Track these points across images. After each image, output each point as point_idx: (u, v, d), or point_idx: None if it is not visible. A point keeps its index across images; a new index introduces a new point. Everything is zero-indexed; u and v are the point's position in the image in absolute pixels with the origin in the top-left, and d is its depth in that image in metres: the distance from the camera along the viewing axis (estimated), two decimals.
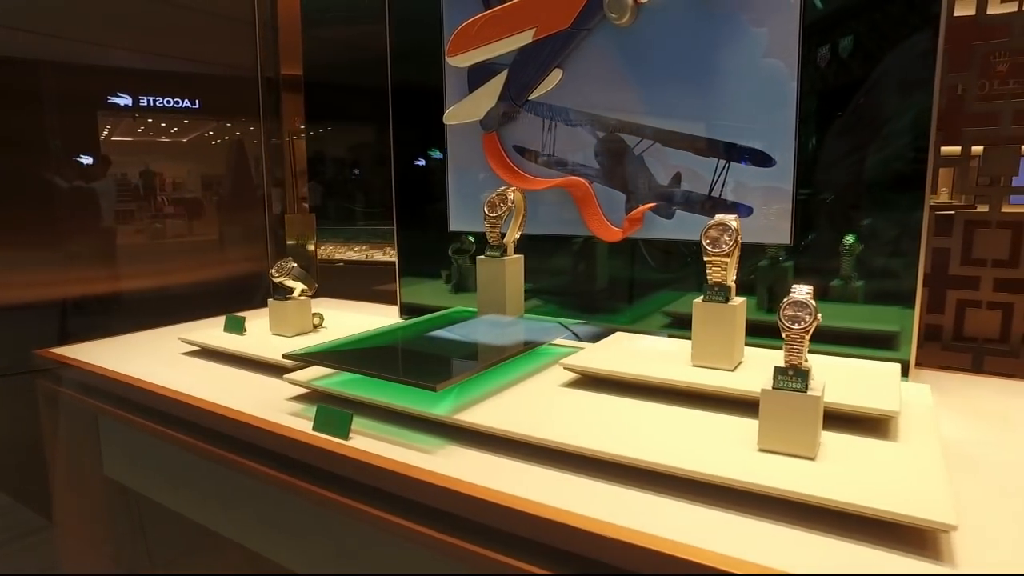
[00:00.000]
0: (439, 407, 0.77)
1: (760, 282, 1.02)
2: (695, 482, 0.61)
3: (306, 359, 0.86)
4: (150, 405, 1.00)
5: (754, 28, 0.94)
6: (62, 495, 1.31)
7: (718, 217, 0.83)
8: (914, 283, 0.90)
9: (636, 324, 1.12)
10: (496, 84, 1.16)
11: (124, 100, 1.68)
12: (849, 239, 0.97)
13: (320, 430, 0.78)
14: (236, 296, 1.98)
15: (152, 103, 1.72)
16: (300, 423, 0.82)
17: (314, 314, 1.20)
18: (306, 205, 2.19)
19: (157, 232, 1.85)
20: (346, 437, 0.76)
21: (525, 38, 1.11)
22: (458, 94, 1.22)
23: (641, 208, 1.05)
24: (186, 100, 1.78)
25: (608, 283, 1.16)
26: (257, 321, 1.22)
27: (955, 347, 1.05)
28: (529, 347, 0.93)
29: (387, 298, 1.63)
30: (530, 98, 1.14)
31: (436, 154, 1.31)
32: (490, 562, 0.62)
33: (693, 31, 0.99)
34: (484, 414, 0.76)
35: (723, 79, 0.97)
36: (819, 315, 0.63)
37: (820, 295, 0.99)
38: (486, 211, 1.03)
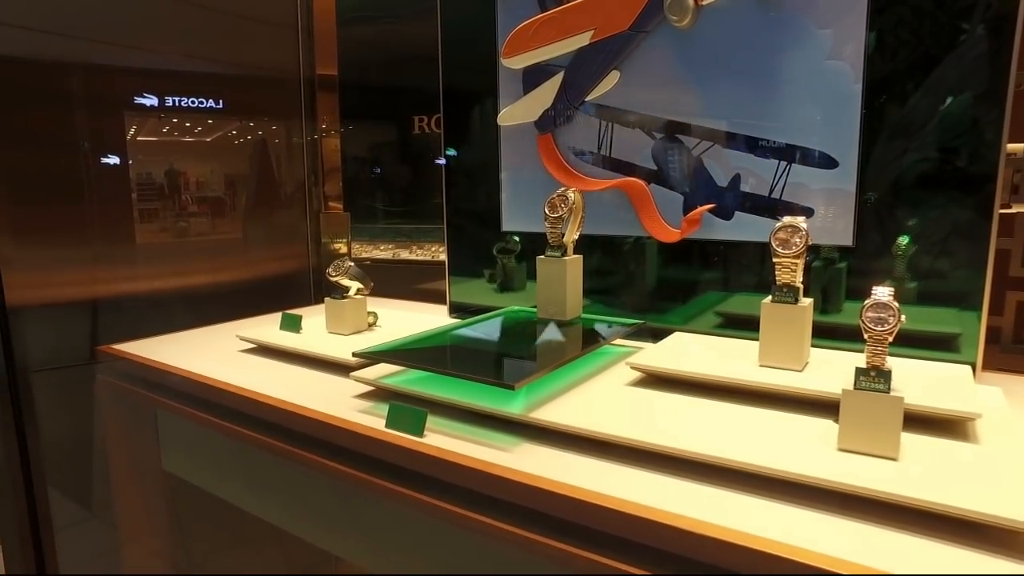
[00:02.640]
0: (513, 405, 0.78)
1: (814, 283, 1.02)
2: (775, 480, 0.61)
3: (378, 357, 0.88)
4: (216, 401, 1.03)
5: (818, 29, 0.94)
6: (122, 488, 1.34)
7: (787, 219, 0.83)
8: (979, 285, 0.90)
9: (688, 324, 1.13)
10: (552, 86, 1.17)
11: (166, 100, 1.71)
12: (903, 240, 0.97)
13: (393, 427, 0.80)
14: (279, 294, 2.02)
15: (194, 104, 1.75)
16: (370, 420, 0.84)
17: (369, 313, 1.22)
18: (340, 204, 2.22)
19: (198, 230, 1.88)
20: (420, 434, 0.77)
21: (583, 40, 1.11)
22: (512, 95, 1.23)
23: (699, 209, 1.06)
24: (222, 101, 1.81)
25: (658, 283, 1.17)
26: (309, 319, 1.24)
27: (1016, 349, 1.05)
28: (594, 346, 0.94)
29: (427, 296, 1.65)
30: (586, 100, 1.15)
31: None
32: (574, 558, 0.63)
33: (755, 33, 0.99)
34: (557, 412, 0.77)
35: (785, 81, 0.97)
36: (903, 317, 0.64)
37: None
38: (546, 212, 1.05)
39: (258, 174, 2.04)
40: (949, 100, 0.88)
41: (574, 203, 1.03)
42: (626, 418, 0.76)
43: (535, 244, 1.24)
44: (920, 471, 0.60)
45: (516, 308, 1.19)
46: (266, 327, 1.26)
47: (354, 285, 1.18)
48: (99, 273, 1.61)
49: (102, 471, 1.54)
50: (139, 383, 1.21)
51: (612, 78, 1.11)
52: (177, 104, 1.72)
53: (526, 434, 0.77)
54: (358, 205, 2.45)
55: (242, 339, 1.21)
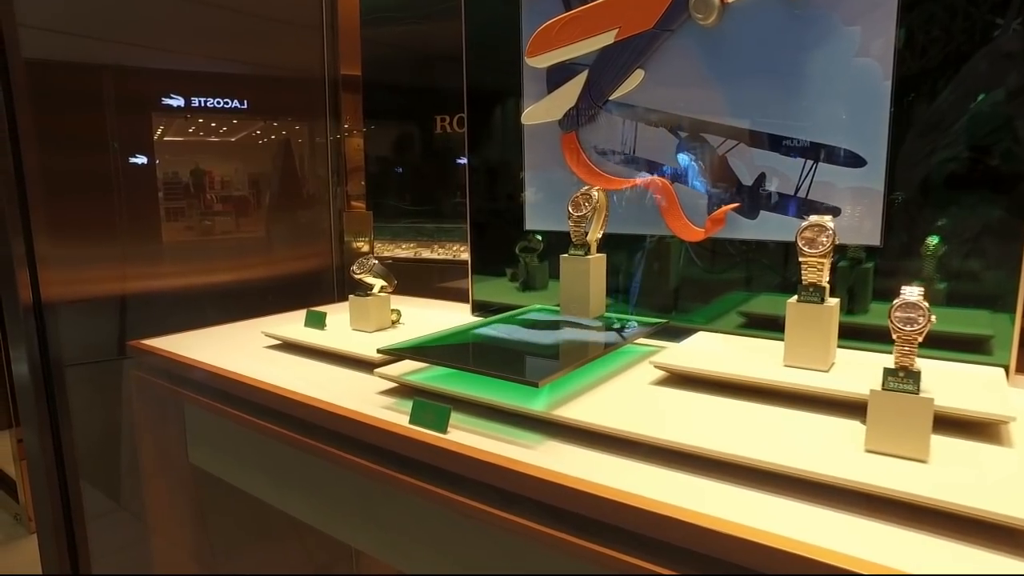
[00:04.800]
0: (537, 403, 0.79)
1: (840, 283, 1.01)
2: (801, 481, 0.61)
3: (403, 354, 0.89)
4: (242, 396, 1.04)
5: (846, 26, 0.93)
6: (150, 480, 1.36)
7: (813, 218, 0.83)
8: (1013, 286, 0.88)
9: (711, 324, 1.12)
10: (576, 84, 1.17)
11: (192, 101, 1.74)
12: (932, 240, 0.95)
13: (417, 423, 0.80)
14: (303, 292, 2.04)
15: (220, 104, 1.78)
16: (394, 416, 0.84)
17: (392, 310, 1.23)
18: (362, 203, 2.23)
19: (223, 228, 1.90)
20: (444, 431, 0.78)
21: (607, 39, 1.11)
22: (536, 94, 1.23)
23: (724, 208, 1.05)
24: (246, 101, 1.84)
25: (680, 282, 1.16)
26: (333, 316, 1.25)
27: None
28: (618, 345, 0.93)
29: (449, 295, 1.66)
30: (610, 98, 1.14)
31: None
32: (598, 556, 0.63)
33: (781, 30, 0.98)
34: (580, 410, 0.77)
35: (812, 79, 0.96)
36: (933, 317, 0.63)
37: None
38: (570, 210, 1.05)
39: (282, 173, 2.06)
40: (981, 97, 0.87)
41: (598, 202, 1.03)
42: (650, 417, 0.76)
43: (560, 243, 1.24)
44: (951, 474, 0.59)
45: (539, 306, 1.19)
46: (291, 324, 1.28)
47: (378, 283, 1.19)
48: (128, 270, 1.64)
49: (129, 463, 1.57)
50: (168, 377, 1.24)
51: (636, 77, 1.11)
52: (203, 104, 1.74)
53: (549, 432, 0.77)
54: (380, 204, 2.47)
55: (268, 335, 1.22)
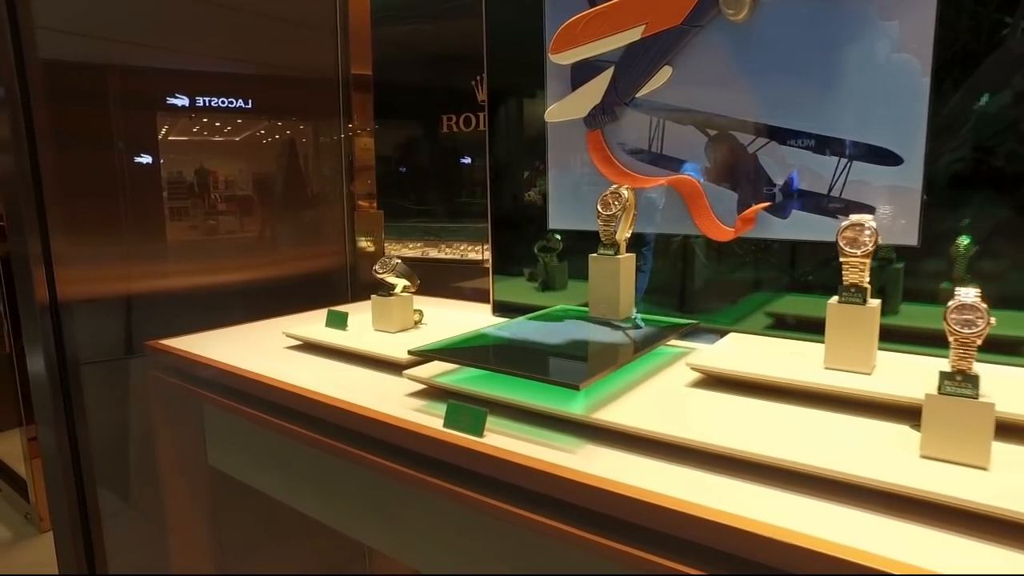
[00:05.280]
0: (575, 406, 0.77)
1: (871, 283, 0.99)
2: (850, 486, 0.59)
3: (436, 356, 0.87)
4: (266, 397, 1.03)
5: (883, 21, 0.91)
6: (168, 481, 1.35)
7: (854, 217, 0.81)
8: None
9: (737, 325, 1.10)
10: (601, 82, 1.16)
11: (212, 101, 1.72)
12: (963, 241, 0.94)
13: (452, 427, 0.79)
14: (314, 291, 2.02)
15: (233, 104, 1.76)
16: (426, 419, 0.83)
17: (415, 310, 1.21)
18: (372, 203, 2.22)
19: (232, 228, 1.89)
20: (480, 435, 0.76)
21: (634, 35, 1.10)
22: (560, 92, 1.22)
23: (754, 207, 1.04)
24: (257, 101, 1.83)
25: (707, 283, 1.14)
26: (352, 317, 1.24)
27: None
28: (652, 346, 0.92)
29: (461, 294, 1.65)
30: (637, 96, 1.13)
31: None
32: (643, 562, 0.62)
33: (815, 25, 0.96)
34: (619, 413, 0.76)
35: (847, 75, 0.95)
36: (992, 319, 0.61)
37: (930, 299, 0.96)
38: (599, 209, 1.03)
39: (293, 173, 2.05)
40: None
41: (627, 201, 1.02)
42: (692, 420, 0.74)
43: (583, 242, 1.23)
44: (1015, 481, 0.58)
45: (564, 307, 1.17)
46: (310, 324, 1.26)
47: (401, 282, 1.17)
48: (137, 269, 1.63)
49: (139, 463, 1.56)
50: (186, 378, 1.22)
51: (664, 74, 1.09)
52: (208, 104, 1.73)
53: (587, 435, 0.76)
54: (386, 203, 2.46)
55: (288, 336, 1.21)
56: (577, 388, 0.72)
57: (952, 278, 0.95)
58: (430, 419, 0.82)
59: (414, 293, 1.20)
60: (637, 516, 0.62)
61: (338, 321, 1.20)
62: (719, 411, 0.77)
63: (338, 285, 2.11)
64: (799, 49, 0.98)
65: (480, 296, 1.57)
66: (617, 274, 1.02)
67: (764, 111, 1.02)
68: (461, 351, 0.90)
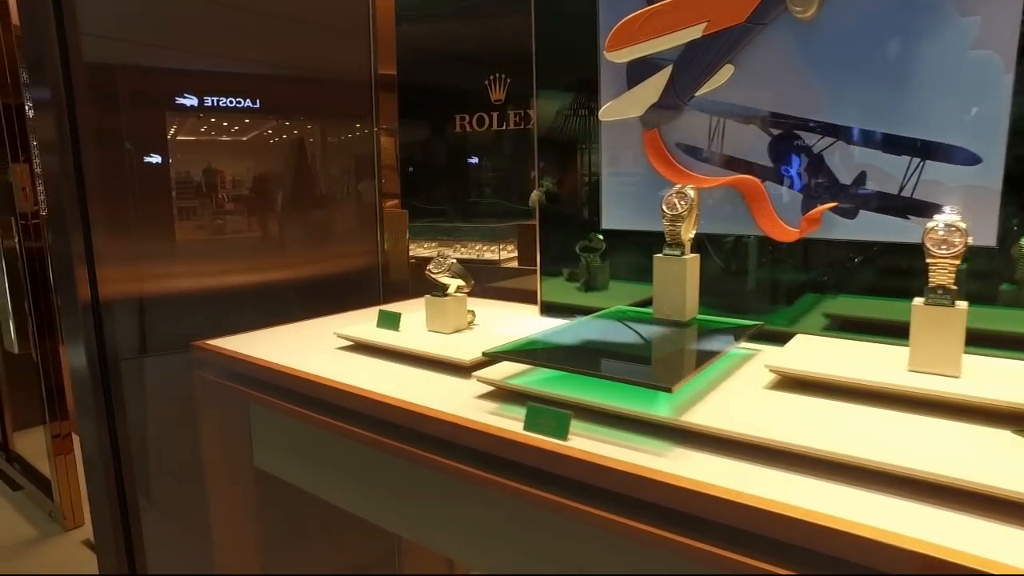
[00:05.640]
0: (661, 408, 0.76)
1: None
2: (957, 490, 0.58)
3: (517, 358, 0.86)
4: (324, 399, 1.02)
5: (962, 17, 0.90)
6: (213, 484, 1.35)
7: (943, 217, 0.80)
8: None
9: (794, 326, 1.09)
10: (659, 80, 1.14)
11: (235, 101, 1.72)
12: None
13: (533, 430, 0.78)
14: (346, 291, 2.02)
15: (237, 104, 1.76)
16: (501, 422, 0.82)
17: (467, 311, 1.20)
18: (396, 202, 2.22)
19: (262, 228, 1.88)
20: (564, 438, 0.75)
21: (694, 33, 1.08)
22: (614, 91, 1.20)
23: (820, 208, 1.02)
24: (287, 102, 1.83)
25: (767, 283, 1.13)
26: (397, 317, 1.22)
27: None
28: (728, 348, 0.90)
29: (489, 293, 1.64)
30: (696, 94, 1.12)
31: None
32: (742, 566, 0.61)
33: (887, 21, 0.95)
34: (707, 416, 0.75)
35: (921, 73, 0.93)
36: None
37: (989, 301, 0.95)
38: (664, 209, 1.02)
39: (326, 174, 2.05)
40: None
41: (693, 200, 1.00)
42: (784, 423, 0.73)
43: (638, 242, 1.22)
44: None
45: (621, 307, 1.16)
46: (356, 324, 1.25)
47: (455, 282, 1.16)
48: (175, 268, 1.63)
49: (177, 459, 1.56)
50: (235, 378, 1.21)
51: (726, 72, 1.08)
52: (216, 104, 1.73)
53: (672, 438, 0.74)
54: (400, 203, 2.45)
55: (340, 336, 1.20)
56: (670, 390, 0.71)
57: (1014, 279, 0.94)
58: (506, 422, 0.81)
59: (468, 294, 1.19)
60: (739, 519, 0.61)
61: (390, 321, 1.19)
62: (808, 414, 0.76)
63: (367, 285, 2.10)
64: (870, 45, 0.96)
65: (514, 295, 1.56)
66: (684, 275, 1.01)
67: (832, 109, 1.00)
68: (537, 353, 0.89)
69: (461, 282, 1.16)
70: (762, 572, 0.60)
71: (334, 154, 2.03)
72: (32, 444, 3.36)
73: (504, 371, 0.92)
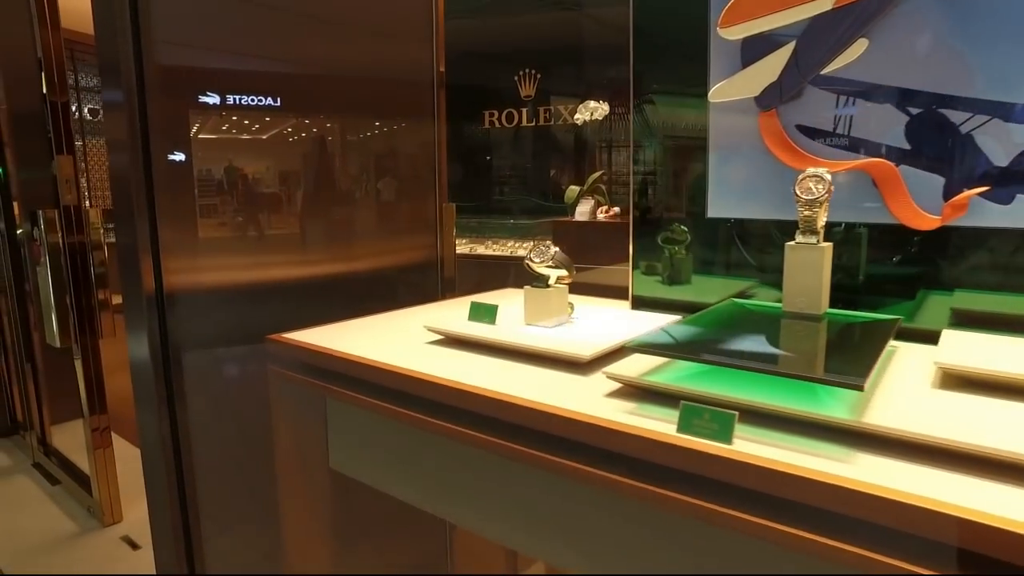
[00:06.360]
0: (835, 408, 0.68)
1: None
2: None
3: (664, 352, 0.78)
4: (425, 396, 0.95)
5: None
6: (286, 484, 1.28)
7: None
8: None
9: (917, 322, 1.01)
10: (779, 57, 1.06)
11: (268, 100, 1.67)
12: None
13: (689, 432, 0.70)
14: (407, 286, 1.97)
15: (265, 104, 1.73)
16: (645, 423, 0.74)
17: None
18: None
19: (330, 221, 1.85)
20: (729, 441, 0.68)
21: (823, 5, 1.00)
22: (726, 70, 1.13)
23: (968, 192, 0.94)
24: (358, 102, 1.79)
25: (867, 276, 1.05)
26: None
27: None
28: (885, 342, 0.82)
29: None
30: (823, 72, 1.04)
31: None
32: None
33: None
34: (889, 417, 0.67)
35: None
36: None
37: None
38: (798, 194, 0.94)
39: (387, 169, 2.02)
40: None
41: (830, 184, 0.93)
42: (979, 425, 0.65)
43: (747, 231, 1.14)
44: None
45: (735, 300, 1.08)
46: (437, 315, 1.18)
47: (554, 273, 1.09)
48: (236, 260, 1.59)
49: (243, 455, 1.50)
50: (313, 373, 1.15)
51: (859, 47, 1.00)
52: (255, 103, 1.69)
53: (847, 442, 0.67)
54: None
55: (432, 330, 1.13)
56: (861, 387, 0.63)
57: None
58: (651, 423, 0.74)
59: (568, 284, 1.12)
60: (974, 542, 0.53)
61: (485, 315, 1.12)
62: (1003, 416, 0.68)
63: (423, 280, 2.05)
64: None
65: (587, 290, 1.49)
66: (820, 264, 0.93)
67: (987, 85, 0.92)
68: (690, 347, 0.81)
69: (564, 271, 1.09)
70: None
71: (397, 152, 1.99)
72: (67, 439, 3.34)
73: (632, 367, 0.85)
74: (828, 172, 0.94)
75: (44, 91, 2.71)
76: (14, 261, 3.44)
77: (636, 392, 0.83)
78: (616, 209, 3.85)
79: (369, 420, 1.13)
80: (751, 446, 0.67)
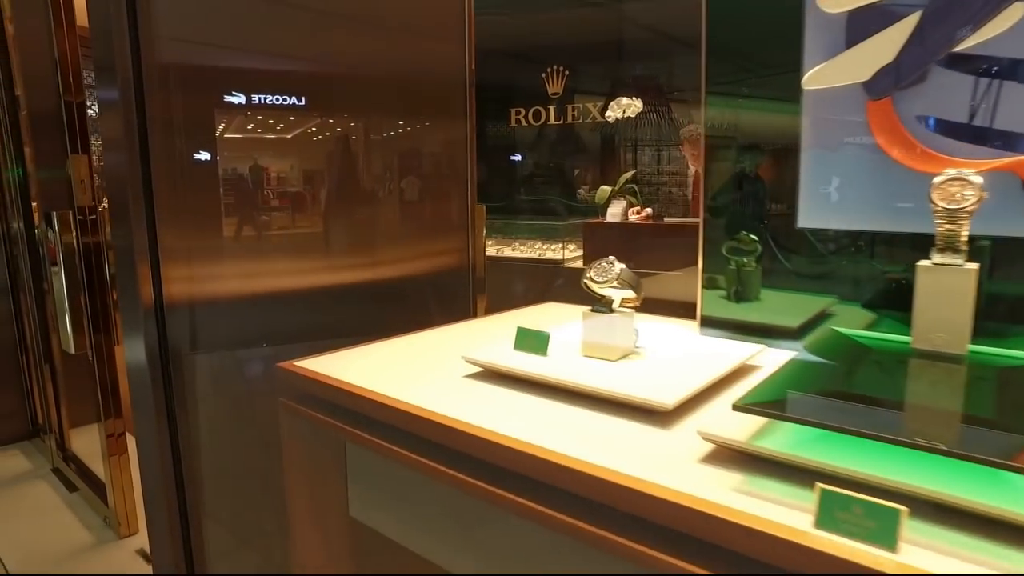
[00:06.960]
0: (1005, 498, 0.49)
1: None
2: None
3: (801, 420, 0.59)
4: (468, 454, 0.77)
5: None
6: (301, 533, 1.12)
7: None
8: None
9: None
10: (896, 34, 0.87)
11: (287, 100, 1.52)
12: None
13: (830, 528, 0.52)
14: (438, 291, 1.83)
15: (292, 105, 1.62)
16: (760, 507, 0.56)
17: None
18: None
19: (355, 225, 1.71)
20: (894, 547, 0.49)
21: None
22: (826, 50, 0.93)
23: None
24: (389, 103, 1.70)
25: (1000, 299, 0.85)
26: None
27: None
28: None
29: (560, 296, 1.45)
30: (958, 49, 0.84)
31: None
32: None
33: None
34: None
35: None
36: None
37: None
38: (936, 202, 0.74)
39: (415, 169, 1.89)
40: None
41: (980, 189, 0.73)
42: None
43: (844, 245, 0.95)
44: None
45: (837, 329, 0.88)
46: (480, 338, 1.00)
47: (620, 295, 0.91)
48: (248, 267, 1.49)
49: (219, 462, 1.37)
50: (328, 409, 0.98)
51: (1013, 14, 0.79)
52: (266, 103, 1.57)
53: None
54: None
55: (471, 362, 0.95)
56: None
57: None
58: (768, 507, 0.56)
59: (637, 308, 0.93)
60: None
61: (536, 345, 0.94)
62: None
63: (455, 284, 1.91)
64: None
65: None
66: (965, 291, 0.73)
67: None
68: (810, 406, 0.63)
69: (630, 292, 0.90)
70: None
71: (425, 152, 1.86)
72: (87, 443, 3.24)
73: (729, 424, 0.66)
74: (978, 174, 0.74)
75: (60, 91, 2.61)
76: (33, 262, 3.35)
77: (738, 457, 0.64)
78: (648, 210, 3.68)
79: (397, 467, 0.96)
80: (922, 554, 0.49)
